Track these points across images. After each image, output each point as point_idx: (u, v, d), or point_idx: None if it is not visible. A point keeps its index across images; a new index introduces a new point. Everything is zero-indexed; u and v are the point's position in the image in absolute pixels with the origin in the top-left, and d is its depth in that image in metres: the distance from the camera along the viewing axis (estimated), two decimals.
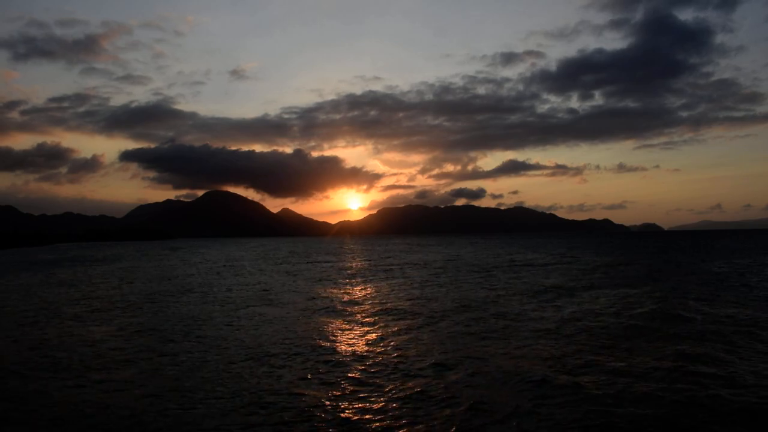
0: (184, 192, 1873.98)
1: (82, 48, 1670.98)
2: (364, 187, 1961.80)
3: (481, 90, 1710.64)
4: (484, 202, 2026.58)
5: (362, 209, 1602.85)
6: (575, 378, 13.83)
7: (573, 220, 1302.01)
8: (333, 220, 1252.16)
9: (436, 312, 25.20)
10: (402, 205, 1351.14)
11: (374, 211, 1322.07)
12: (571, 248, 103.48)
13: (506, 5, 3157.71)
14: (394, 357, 16.62)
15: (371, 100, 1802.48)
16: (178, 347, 18.25)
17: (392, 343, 18.62)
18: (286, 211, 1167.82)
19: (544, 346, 17.56)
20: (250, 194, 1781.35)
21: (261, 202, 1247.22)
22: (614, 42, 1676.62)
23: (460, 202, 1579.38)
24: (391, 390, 13.20)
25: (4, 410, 12.09)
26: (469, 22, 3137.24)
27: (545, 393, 12.66)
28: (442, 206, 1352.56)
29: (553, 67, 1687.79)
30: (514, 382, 13.59)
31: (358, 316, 24.93)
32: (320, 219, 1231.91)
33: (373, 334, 20.42)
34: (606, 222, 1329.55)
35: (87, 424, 11.16)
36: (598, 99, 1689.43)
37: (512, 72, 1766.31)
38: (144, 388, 13.47)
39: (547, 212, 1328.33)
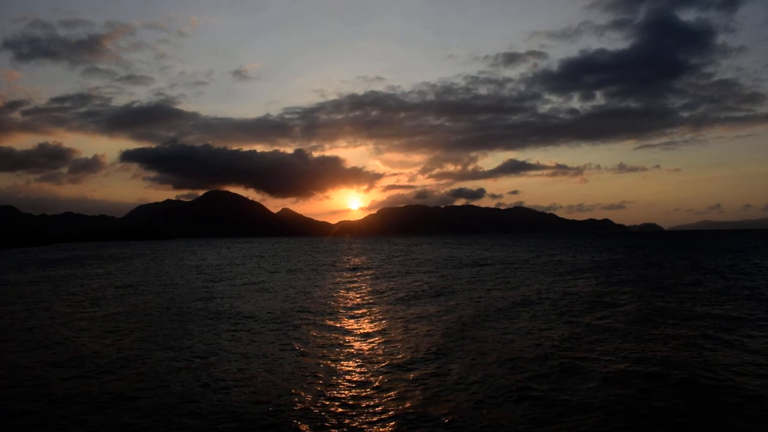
0: (184, 192, 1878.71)
1: (85, 48, 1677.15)
2: (365, 187, 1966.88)
3: (483, 90, 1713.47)
4: (484, 202, 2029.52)
5: (362, 209, 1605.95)
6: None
7: (573, 220, 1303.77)
8: (333, 220, 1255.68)
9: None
10: (402, 205, 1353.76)
11: (374, 211, 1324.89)
12: (564, 248, 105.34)
13: (509, 6, 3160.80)
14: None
15: (373, 100, 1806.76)
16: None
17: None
18: (286, 211, 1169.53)
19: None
20: (251, 194, 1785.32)
21: (261, 202, 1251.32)
22: (616, 42, 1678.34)
23: (460, 202, 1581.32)
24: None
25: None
26: (471, 22, 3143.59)
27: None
28: (442, 206, 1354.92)
29: (555, 67, 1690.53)
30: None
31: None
32: (320, 219, 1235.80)
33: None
34: (606, 222, 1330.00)
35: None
36: (599, 99, 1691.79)
37: (514, 72, 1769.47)
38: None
39: (547, 212, 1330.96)
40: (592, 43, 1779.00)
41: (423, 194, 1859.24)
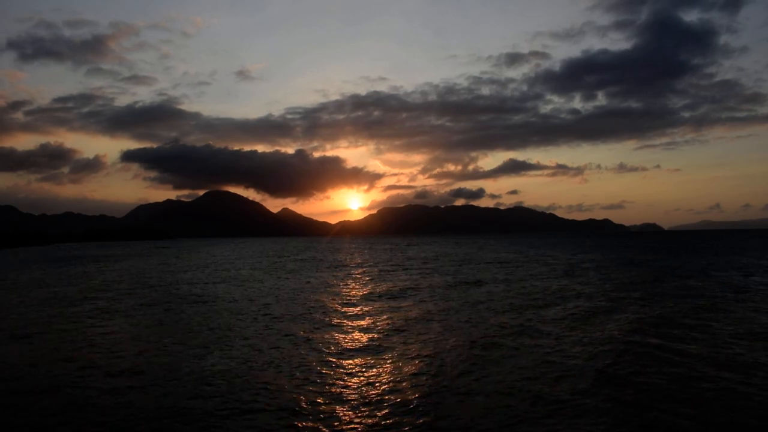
0: (184, 192, 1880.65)
1: (89, 49, 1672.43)
2: (365, 187, 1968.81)
3: (485, 90, 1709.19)
4: (483, 202, 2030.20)
5: (362, 209, 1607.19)
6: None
7: (572, 220, 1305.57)
8: (333, 220, 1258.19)
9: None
10: (402, 205, 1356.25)
11: (374, 211, 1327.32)
12: (553, 247, 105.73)
13: (510, 6, 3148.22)
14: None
15: (375, 100, 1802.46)
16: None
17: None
18: (286, 211, 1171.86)
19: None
20: (251, 194, 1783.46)
21: (261, 202, 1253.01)
22: (618, 43, 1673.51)
23: (460, 202, 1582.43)
24: None
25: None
26: (472, 22, 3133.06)
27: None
28: (442, 206, 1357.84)
29: (557, 67, 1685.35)
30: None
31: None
32: (320, 219, 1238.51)
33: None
34: (606, 222, 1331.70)
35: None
36: (601, 99, 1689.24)
37: (516, 72, 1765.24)
38: None
39: (547, 212, 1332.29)
40: (594, 43, 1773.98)
41: (423, 194, 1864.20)
